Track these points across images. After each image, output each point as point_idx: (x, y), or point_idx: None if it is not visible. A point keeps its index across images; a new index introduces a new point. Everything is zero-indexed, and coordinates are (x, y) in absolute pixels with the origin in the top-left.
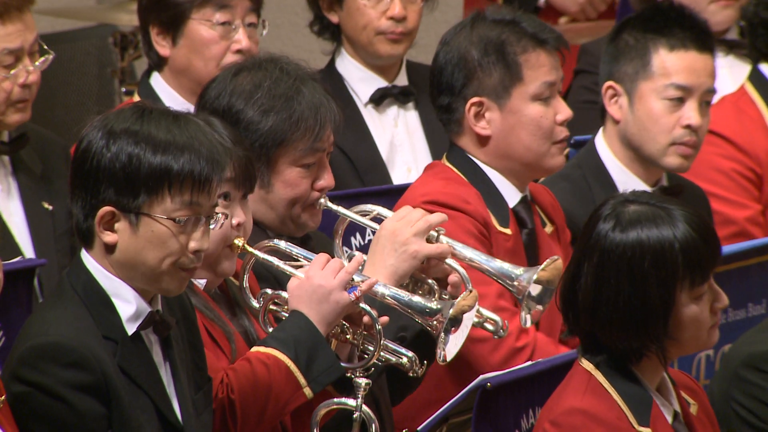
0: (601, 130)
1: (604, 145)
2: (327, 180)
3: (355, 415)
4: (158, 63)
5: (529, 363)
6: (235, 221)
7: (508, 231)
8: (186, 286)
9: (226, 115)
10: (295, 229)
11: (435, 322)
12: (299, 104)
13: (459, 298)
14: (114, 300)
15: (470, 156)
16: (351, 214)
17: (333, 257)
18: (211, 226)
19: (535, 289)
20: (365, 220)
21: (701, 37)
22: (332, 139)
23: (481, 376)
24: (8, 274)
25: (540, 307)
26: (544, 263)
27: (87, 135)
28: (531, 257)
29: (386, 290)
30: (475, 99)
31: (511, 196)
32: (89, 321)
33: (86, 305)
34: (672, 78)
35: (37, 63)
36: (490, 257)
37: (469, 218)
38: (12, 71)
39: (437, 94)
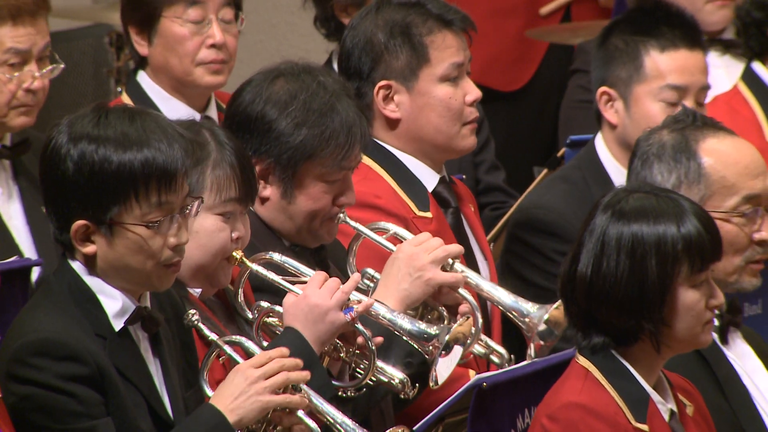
0: (600, 131)
1: (603, 146)
2: (349, 197)
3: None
4: (141, 62)
5: (525, 362)
6: (234, 235)
7: (428, 214)
8: (174, 280)
9: (258, 121)
10: (311, 240)
11: (431, 348)
12: (332, 121)
13: (456, 325)
14: (100, 297)
15: (382, 144)
16: (367, 231)
17: (343, 268)
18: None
19: (542, 326)
20: (381, 239)
21: (690, 34)
22: (360, 158)
23: (477, 376)
24: (4, 273)
25: (542, 342)
26: (557, 303)
27: (53, 137)
28: (460, 237)
29: (383, 311)
30: (383, 82)
31: (429, 178)
32: (80, 318)
33: (74, 303)
34: (666, 79)
35: (44, 70)
36: (502, 289)
37: (380, 212)
38: (16, 73)
39: (345, 79)
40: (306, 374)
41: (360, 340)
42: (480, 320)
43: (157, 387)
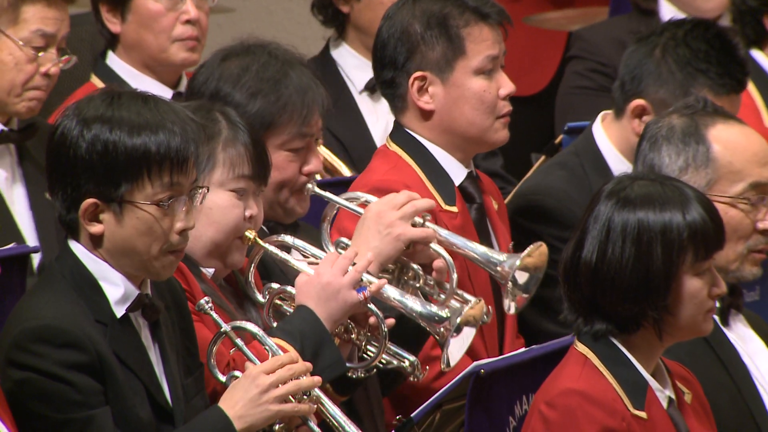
0: (599, 118)
1: (602, 133)
2: (315, 164)
3: None
4: (111, 41)
5: (523, 349)
6: (248, 213)
7: (454, 209)
8: (175, 269)
9: (213, 98)
10: (284, 214)
11: (442, 329)
12: (286, 87)
13: (467, 307)
14: (102, 283)
15: (413, 134)
16: (338, 199)
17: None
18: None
19: (521, 277)
20: (353, 206)
21: (743, 81)
22: (320, 124)
23: (475, 363)
24: (2, 260)
25: (526, 295)
26: (528, 249)
27: (61, 123)
28: (482, 232)
29: (394, 293)
30: (418, 73)
31: (457, 173)
32: (81, 304)
33: (76, 289)
34: None
35: (62, 57)
36: (474, 243)
37: None
38: (41, 54)
39: (380, 68)
40: (317, 380)
41: (372, 320)
42: (455, 276)
43: (157, 374)
